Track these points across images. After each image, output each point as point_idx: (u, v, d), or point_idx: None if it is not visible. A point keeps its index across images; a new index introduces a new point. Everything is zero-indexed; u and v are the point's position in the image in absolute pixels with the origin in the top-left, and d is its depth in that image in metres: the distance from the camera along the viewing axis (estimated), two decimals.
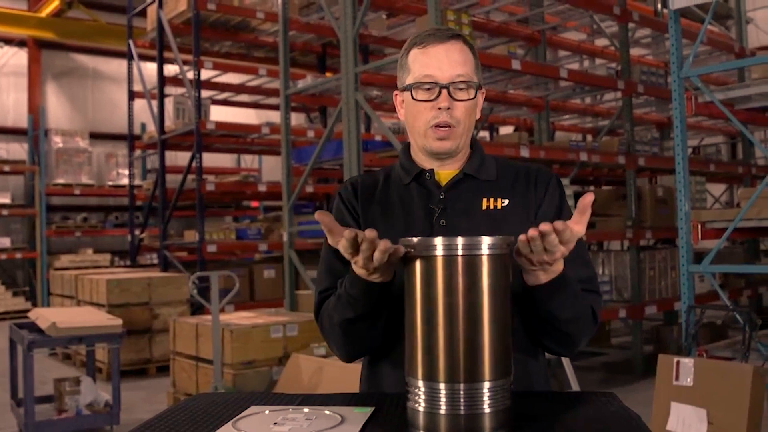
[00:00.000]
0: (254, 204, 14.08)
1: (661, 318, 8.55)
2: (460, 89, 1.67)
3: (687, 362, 4.14)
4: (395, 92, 1.80)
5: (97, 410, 5.46)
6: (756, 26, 9.77)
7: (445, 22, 5.60)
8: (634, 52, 9.04)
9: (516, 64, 6.17)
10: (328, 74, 9.91)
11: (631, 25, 7.69)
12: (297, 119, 12.53)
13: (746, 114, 4.84)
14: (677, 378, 4.16)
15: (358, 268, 1.44)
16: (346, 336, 1.61)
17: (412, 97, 1.69)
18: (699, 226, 4.48)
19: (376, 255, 1.34)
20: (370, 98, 8.32)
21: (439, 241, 1.25)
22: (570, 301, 1.53)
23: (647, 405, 4.57)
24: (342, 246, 1.36)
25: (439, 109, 1.66)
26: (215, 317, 5.43)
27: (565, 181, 6.69)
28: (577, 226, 1.36)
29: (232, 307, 7.92)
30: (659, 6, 8.75)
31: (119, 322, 5.37)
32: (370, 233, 1.32)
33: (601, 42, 9.70)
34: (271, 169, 14.59)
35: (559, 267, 1.45)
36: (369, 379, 1.73)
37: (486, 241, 1.25)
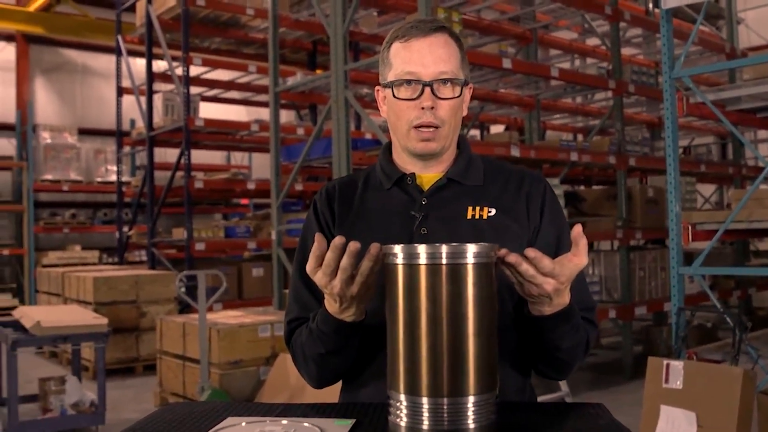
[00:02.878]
0: (244, 201, 14.01)
1: (650, 318, 8.53)
2: (445, 86, 1.57)
3: (677, 365, 4.11)
4: (377, 87, 1.70)
5: (82, 410, 5.39)
6: (747, 27, 9.77)
7: None
8: (625, 51, 9.02)
9: (507, 63, 6.13)
10: (318, 71, 9.85)
11: (622, 24, 7.66)
12: (287, 116, 12.45)
13: (737, 115, 4.82)
14: (667, 381, 4.13)
15: (331, 302, 1.41)
16: (319, 368, 1.59)
17: (394, 95, 1.59)
18: (690, 228, 4.45)
19: (365, 263, 1.30)
20: (360, 96, 8.27)
21: (422, 249, 1.20)
22: (573, 332, 1.47)
23: (637, 406, 4.54)
24: (325, 264, 1.32)
25: (423, 108, 1.56)
26: (202, 316, 5.38)
27: (555, 181, 6.66)
28: (577, 258, 1.31)
29: (221, 305, 7.86)
30: (650, 5, 8.74)
31: (105, 321, 5.31)
32: (353, 245, 1.28)
33: (592, 41, 9.67)
34: (261, 166, 14.49)
35: (564, 299, 1.39)
36: (346, 390, 1.68)
37: (471, 249, 1.20)
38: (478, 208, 1.60)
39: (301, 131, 8.97)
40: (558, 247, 1.60)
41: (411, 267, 1.21)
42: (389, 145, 1.74)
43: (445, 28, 1.62)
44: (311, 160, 7.26)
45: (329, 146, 6.57)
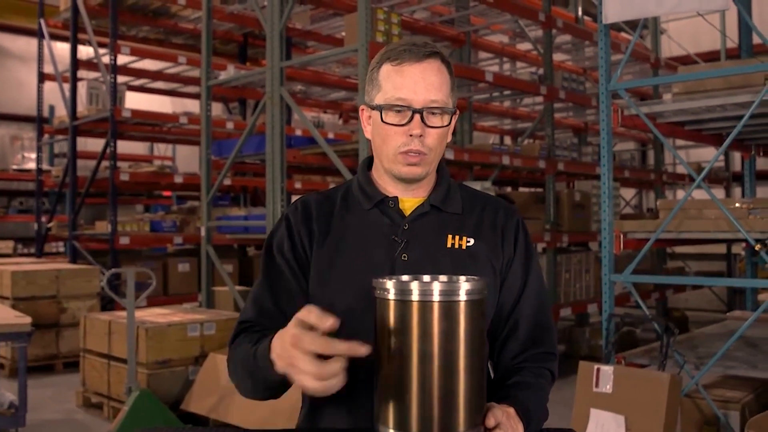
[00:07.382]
0: (167, 193, 13.71)
1: (573, 319, 8.74)
2: (434, 116, 1.56)
3: (607, 370, 4.22)
4: (361, 106, 1.68)
5: (0, 412, 5.18)
6: (669, 37, 10.10)
7: (374, 20, 5.54)
8: (555, 57, 9.20)
9: None
10: (248, 64, 9.71)
11: (553, 31, 7.80)
12: (215, 109, 12.21)
13: (667, 127, 4.97)
14: (597, 385, 4.24)
15: (284, 365, 1.27)
16: (252, 389, 1.52)
17: (382, 119, 1.57)
18: (621, 236, 4.57)
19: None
20: (293, 92, 8.19)
21: (415, 285, 1.19)
22: (540, 408, 1.59)
23: (562, 405, 4.66)
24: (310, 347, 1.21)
25: (411, 135, 1.55)
26: (131, 316, 5.24)
27: (487, 184, 6.73)
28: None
29: (145, 301, 7.65)
30: (580, 13, 8.94)
31: (28, 320, 5.11)
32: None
33: (522, 46, 9.82)
34: (185, 158, 14.23)
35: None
36: (309, 417, 1.63)
37: (464, 287, 1.20)
38: (457, 237, 1.60)
39: (230, 125, 8.83)
40: (524, 287, 1.66)
41: (403, 303, 1.20)
42: (368, 162, 1.72)
43: (438, 54, 1.59)
44: (243, 156, 7.15)
45: (261, 143, 6.48)
